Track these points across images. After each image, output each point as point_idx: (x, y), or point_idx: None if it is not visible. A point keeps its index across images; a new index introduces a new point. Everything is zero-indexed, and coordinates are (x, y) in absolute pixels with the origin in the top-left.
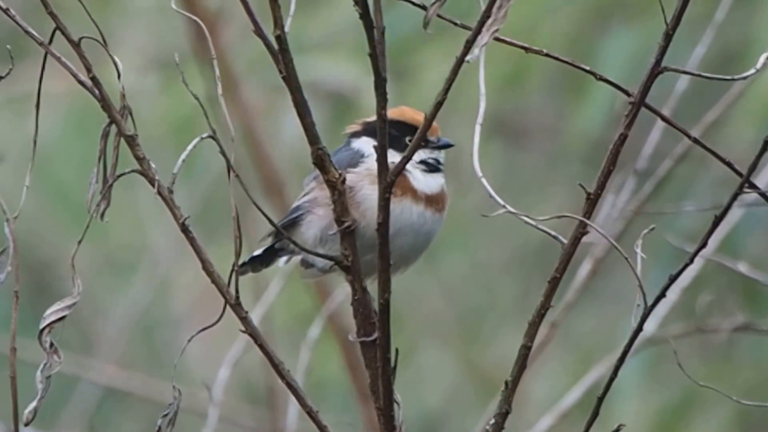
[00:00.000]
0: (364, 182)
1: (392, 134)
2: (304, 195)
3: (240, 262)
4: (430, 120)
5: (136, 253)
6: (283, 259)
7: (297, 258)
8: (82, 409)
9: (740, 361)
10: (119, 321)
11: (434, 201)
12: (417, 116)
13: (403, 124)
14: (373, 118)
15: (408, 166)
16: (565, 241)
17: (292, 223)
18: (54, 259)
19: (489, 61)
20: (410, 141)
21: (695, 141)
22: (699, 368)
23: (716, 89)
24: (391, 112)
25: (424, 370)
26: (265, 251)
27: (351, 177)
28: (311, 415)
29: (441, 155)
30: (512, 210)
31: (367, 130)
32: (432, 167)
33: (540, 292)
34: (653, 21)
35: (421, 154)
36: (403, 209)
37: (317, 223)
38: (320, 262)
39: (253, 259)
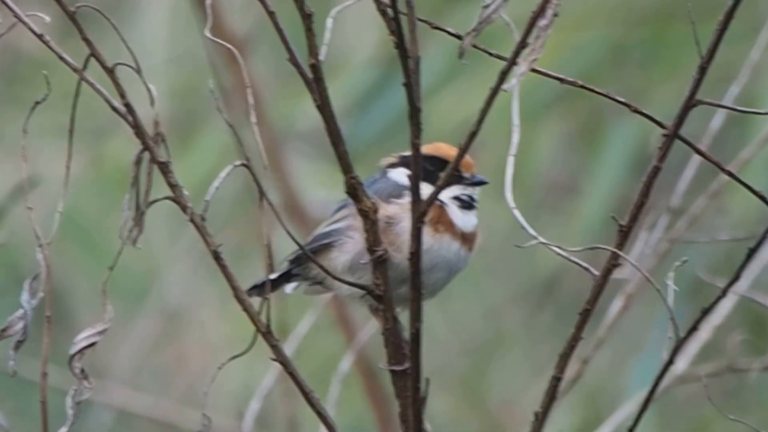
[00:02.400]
0: (405, 215)
1: (427, 169)
2: (335, 222)
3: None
4: (464, 149)
5: (148, 283)
6: (291, 285)
7: (304, 285)
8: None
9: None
10: (130, 350)
11: (468, 239)
12: (452, 152)
13: (437, 160)
14: (403, 155)
15: (445, 200)
16: (597, 273)
17: (320, 250)
18: (65, 289)
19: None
20: None
21: (729, 174)
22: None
23: (746, 131)
24: (426, 148)
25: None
26: (280, 276)
27: (393, 208)
28: None
29: (475, 192)
30: (543, 240)
31: (404, 163)
32: (466, 204)
33: (546, 325)
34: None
35: (455, 190)
36: (442, 245)
37: (351, 247)
38: (346, 290)
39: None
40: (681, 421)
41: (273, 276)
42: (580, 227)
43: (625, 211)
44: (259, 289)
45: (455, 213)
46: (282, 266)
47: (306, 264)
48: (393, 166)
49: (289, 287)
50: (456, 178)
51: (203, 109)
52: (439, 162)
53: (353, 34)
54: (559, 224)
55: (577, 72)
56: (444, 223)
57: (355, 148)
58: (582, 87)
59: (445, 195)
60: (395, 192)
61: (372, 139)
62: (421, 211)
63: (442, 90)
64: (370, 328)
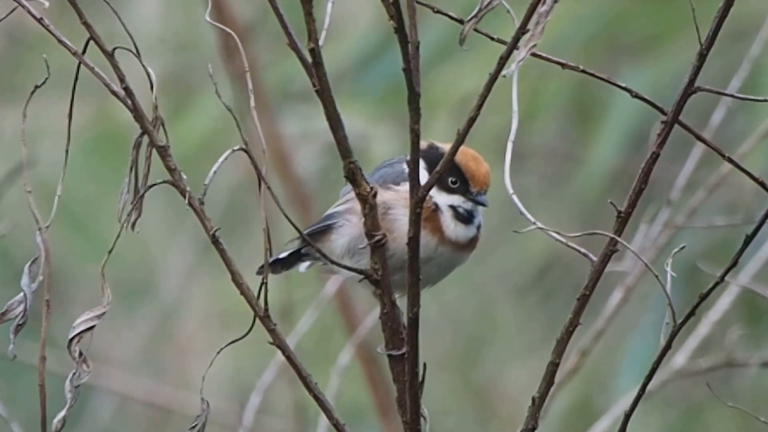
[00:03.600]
0: (399, 202)
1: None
2: (340, 204)
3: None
4: (462, 135)
5: (146, 272)
6: (305, 264)
7: (318, 264)
8: (95, 418)
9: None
10: (131, 338)
11: (460, 247)
12: (471, 163)
13: (457, 170)
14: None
15: (440, 205)
16: (595, 259)
17: (322, 232)
18: (65, 273)
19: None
20: (453, 182)
21: (729, 161)
22: (702, 394)
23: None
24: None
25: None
26: (289, 255)
27: (389, 194)
28: (338, 428)
29: (476, 209)
30: (542, 226)
31: (424, 156)
32: (461, 216)
33: (541, 312)
34: (664, 59)
35: (455, 199)
36: (427, 243)
37: (349, 230)
38: (345, 273)
39: (276, 261)
40: (678, 413)
41: (283, 255)
42: (578, 197)
43: (625, 183)
44: (273, 266)
45: (446, 220)
46: (291, 245)
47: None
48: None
49: (303, 266)
50: (462, 188)
51: (199, 78)
52: (455, 169)
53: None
54: (555, 196)
55: (581, 39)
56: (432, 228)
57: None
58: (583, 71)
59: (444, 200)
60: (397, 179)
61: (375, 98)
62: (419, 196)
63: (440, 65)
64: (371, 314)
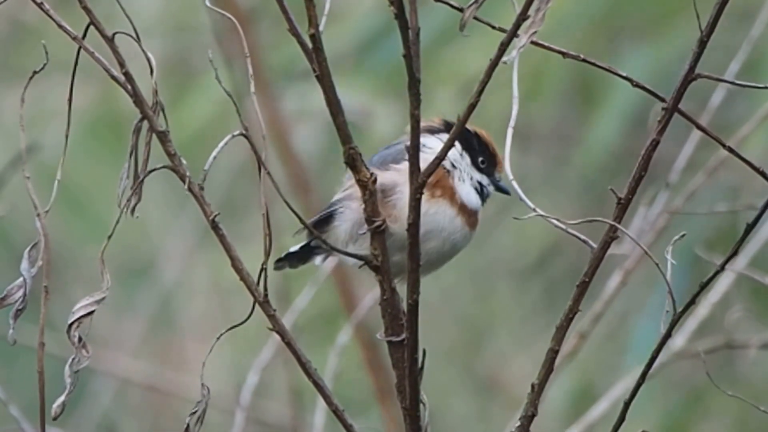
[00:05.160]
0: (401, 180)
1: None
2: (343, 190)
3: (275, 258)
4: (463, 120)
5: (147, 256)
6: (320, 257)
7: (334, 256)
8: (94, 403)
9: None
10: (131, 322)
11: (468, 213)
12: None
13: (483, 143)
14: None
15: (461, 169)
16: (595, 246)
17: (326, 220)
18: (66, 258)
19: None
20: (482, 162)
21: (729, 150)
22: (703, 379)
23: (745, 108)
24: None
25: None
26: (301, 248)
27: (390, 174)
28: (337, 414)
29: (491, 191)
30: (543, 213)
31: (448, 129)
32: (478, 192)
33: (540, 298)
34: (667, 39)
35: (483, 178)
36: (437, 210)
37: (350, 215)
38: (350, 260)
39: (290, 255)
40: (680, 396)
41: (294, 249)
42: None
43: (627, 163)
44: (287, 261)
45: (463, 186)
46: (300, 236)
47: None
48: (433, 131)
49: (318, 259)
50: (489, 170)
51: (199, 60)
52: (483, 145)
53: None
54: (557, 178)
55: (583, 21)
56: (442, 186)
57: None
58: (584, 61)
59: (469, 174)
60: (397, 158)
61: (378, 75)
62: (419, 182)
63: (445, 47)
64: (371, 298)
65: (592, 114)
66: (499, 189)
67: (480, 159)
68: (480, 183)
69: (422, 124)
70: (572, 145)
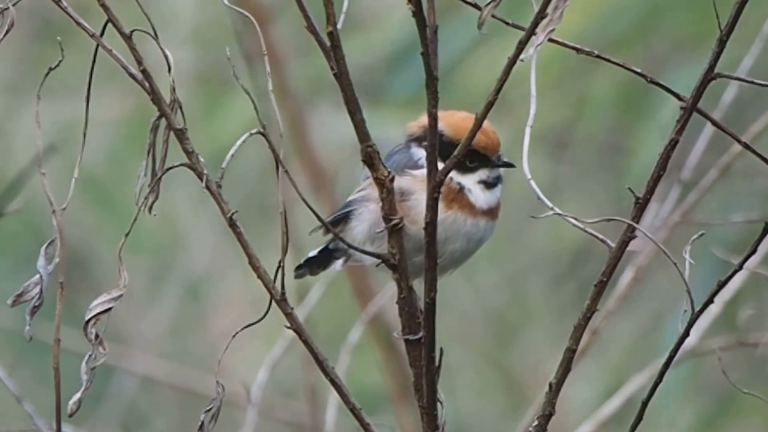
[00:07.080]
0: (418, 187)
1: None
2: (359, 191)
3: (294, 263)
4: (481, 120)
5: (170, 252)
6: (340, 261)
7: (353, 262)
8: (114, 401)
9: None
10: (153, 319)
11: (489, 213)
12: (482, 138)
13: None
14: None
15: (468, 185)
16: (613, 245)
17: (342, 220)
18: (88, 254)
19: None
20: (471, 162)
21: (745, 146)
22: (737, 379)
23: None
24: (447, 121)
25: (454, 373)
26: (320, 252)
27: (406, 180)
28: (354, 412)
29: (500, 171)
30: (560, 212)
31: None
32: (490, 185)
33: (569, 297)
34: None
35: (481, 174)
36: (456, 219)
37: (368, 216)
38: (368, 260)
39: (309, 260)
40: (711, 396)
41: (313, 253)
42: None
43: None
44: (307, 267)
45: (478, 195)
46: (315, 234)
47: (335, 237)
48: (418, 140)
49: (338, 264)
50: (483, 161)
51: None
52: (473, 152)
53: None
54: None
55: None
56: (460, 204)
57: (393, 99)
58: (598, 57)
59: (472, 180)
60: (410, 163)
61: (411, 92)
62: (437, 181)
63: (470, 57)
64: (385, 296)
65: (635, 124)
66: (504, 166)
67: (467, 161)
68: (483, 181)
69: (407, 130)
70: (614, 156)
